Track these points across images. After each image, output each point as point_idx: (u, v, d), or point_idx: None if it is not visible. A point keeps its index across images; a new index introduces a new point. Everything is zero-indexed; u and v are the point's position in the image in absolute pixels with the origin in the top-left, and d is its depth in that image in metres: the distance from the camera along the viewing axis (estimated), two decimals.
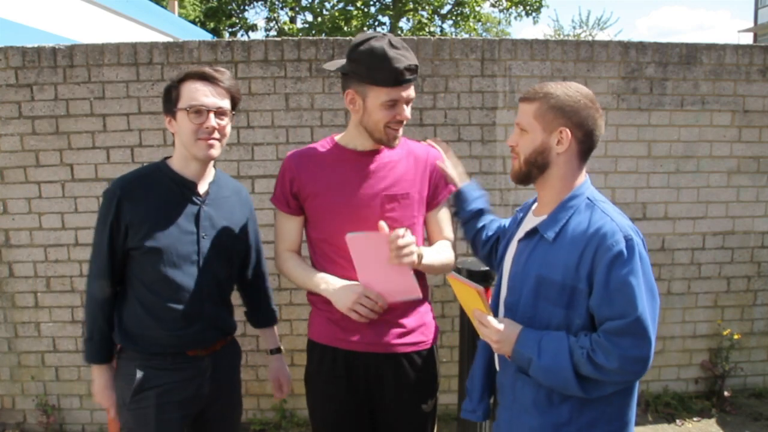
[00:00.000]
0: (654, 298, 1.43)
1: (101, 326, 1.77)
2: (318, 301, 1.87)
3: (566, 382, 1.43)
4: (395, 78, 1.67)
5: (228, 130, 1.77)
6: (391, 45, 1.68)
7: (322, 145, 1.87)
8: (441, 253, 1.89)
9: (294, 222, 1.89)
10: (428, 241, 1.97)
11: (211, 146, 1.72)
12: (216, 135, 1.72)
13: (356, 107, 1.75)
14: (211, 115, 1.69)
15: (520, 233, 1.62)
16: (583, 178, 1.56)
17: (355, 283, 1.75)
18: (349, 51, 1.73)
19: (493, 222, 1.96)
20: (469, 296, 1.57)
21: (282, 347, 2.11)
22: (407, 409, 1.88)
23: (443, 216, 1.96)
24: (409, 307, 1.86)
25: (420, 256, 1.74)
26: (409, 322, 1.86)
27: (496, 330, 1.50)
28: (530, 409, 1.52)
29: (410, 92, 1.74)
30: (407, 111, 1.76)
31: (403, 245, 1.65)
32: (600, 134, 1.52)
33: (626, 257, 1.39)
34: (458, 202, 1.96)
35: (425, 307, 1.93)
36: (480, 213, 1.95)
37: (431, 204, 1.91)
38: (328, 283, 1.79)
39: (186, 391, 1.77)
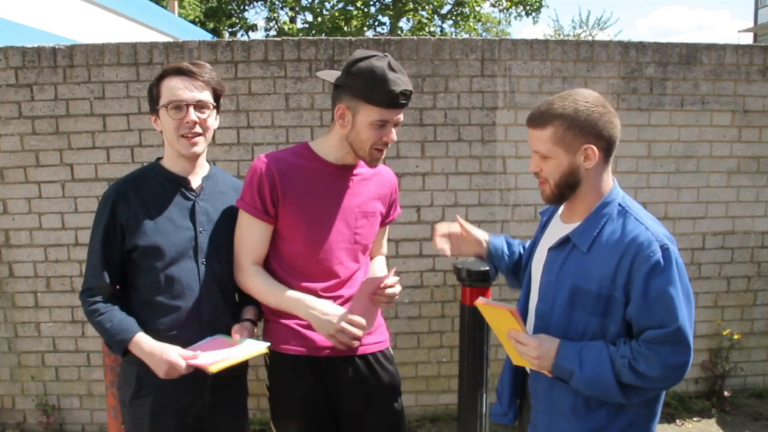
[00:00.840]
0: (690, 303, 1.44)
1: (113, 315, 1.68)
2: (283, 312, 1.81)
3: (609, 391, 1.44)
4: (390, 100, 1.66)
5: (211, 123, 1.75)
6: (391, 67, 1.67)
7: (298, 153, 1.82)
8: (384, 269, 2.02)
9: (267, 231, 1.79)
10: (370, 254, 2.00)
11: (194, 143, 1.72)
12: (198, 129, 1.71)
13: (345, 122, 1.73)
14: (191, 109, 1.68)
15: (550, 240, 1.60)
16: (612, 182, 1.55)
17: (337, 311, 1.72)
18: (348, 65, 1.71)
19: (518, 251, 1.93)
20: (499, 318, 1.55)
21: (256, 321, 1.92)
22: (384, 409, 1.88)
23: (385, 233, 2.06)
24: None
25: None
26: None
27: (535, 346, 1.48)
28: (568, 415, 1.52)
29: (400, 116, 1.74)
30: (394, 134, 1.75)
31: (395, 294, 1.77)
32: (619, 133, 1.50)
33: (663, 266, 1.39)
34: (494, 258, 1.90)
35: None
36: (519, 258, 1.88)
37: (383, 223, 1.95)
38: (308, 307, 1.72)
39: (184, 400, 1.74)
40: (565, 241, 1.54)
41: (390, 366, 1.93)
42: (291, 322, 1.80)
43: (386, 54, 1.71)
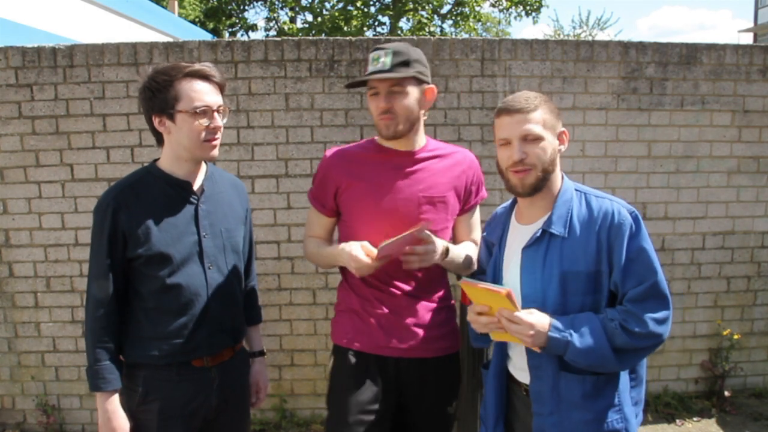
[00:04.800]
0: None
1: (109, 348, 1.66)
2: (347, 307, 1.88)
3: (604, 358, 1.48)
4: (365, 71, 1.77)
5: None
6: (375, 48, 1.78)
7: (363, 146, 1.89)
8: (466, 249, 1.90)
9: (326, 221, 1.93)
10: (454, 242, 1.94)
11: (215, 146, 1.70)
12: (218, 134, 1.69)
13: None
14: (216, 114, 1.67)
15: (520, 243, 1.61)
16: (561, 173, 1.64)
17: (355, 246, 1.74)
18: None
19: None
20: (489, 300, 1.52)
21: (265, 350, 2.04)
22: (434, 411, 1.89)
23: (473, 220, 1.98)
24: (440, 311, 1.88)
25: (445, 252, 1.79)
26: (439, 326, 1.87)
27: (530, 324, 1.47)
28: (580, 403, 1.54)
29: (386, 84, 1.75)
30: (390, 101, 1.75)
31: (423, 252, 1.71)
32: None
33: (636, 228, 1.51)
34: None
35: (452, 312, 1.95)
36: None
37: (463, 209, 1.91)
38: (337, 254, 1.81)
39: (191, 405, 1.72)
40: (540, 236, 1.57)
41: (453, 370, 1.93)
42: (355, 318, 1.85)
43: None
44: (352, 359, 1.84)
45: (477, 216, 2.00)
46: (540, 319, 1.49)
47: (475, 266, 1.91)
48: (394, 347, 1.81)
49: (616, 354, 1.48)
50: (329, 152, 1.89)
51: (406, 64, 1.75)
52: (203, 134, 1.65)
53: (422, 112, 1.82)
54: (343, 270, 1.91)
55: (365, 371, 1.83)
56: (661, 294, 1.51)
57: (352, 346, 1.85)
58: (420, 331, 1.83)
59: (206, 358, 1.74)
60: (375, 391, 1.82)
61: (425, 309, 1.85)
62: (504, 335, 1.57)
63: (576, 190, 1.60)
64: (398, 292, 1.82)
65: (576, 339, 1.47)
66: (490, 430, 1.73)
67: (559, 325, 1.49)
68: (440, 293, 1.90)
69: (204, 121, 1.64)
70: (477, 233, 1.98)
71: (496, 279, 1.67)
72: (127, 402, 1.74)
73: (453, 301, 1.98)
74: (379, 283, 1.82)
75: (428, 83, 1.82)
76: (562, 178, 1.62)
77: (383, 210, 1.79)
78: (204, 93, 1.64)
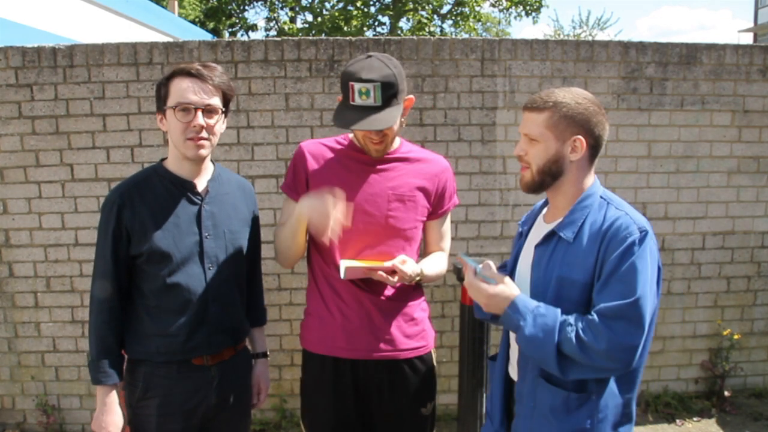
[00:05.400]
0: (653, 293, 1.43)
1: (111, 343, 1.70)
2: (315, 310, 1.87)
3: (546, 356, 1.42)
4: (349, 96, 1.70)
5: (218, 128, 1.72)
6: (361, 66, 1.70)
7: (338, 140, 1.88)
8: (437, 264, 1.92)
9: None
10: (425, 248, 1.96)
11: (200, 146, 1.67)
12: (204, 134, 1.66)
13: None
14: (199, 113, 1.64)
15: (536, 239, 1.61)
16: (593, 178, 1.58)
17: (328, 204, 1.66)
18: None
19: None
20: None
21: (268, 352, 2.04)
22: (407, 413, 1.88)
23: (444, 227, 1.96)
24: (409, 312, 1.88)
25: (420, 273, 1.79)
26: (409, 327, 1.86)
27: (487, 295, 1.49)
28: (548, 416, 1.51)
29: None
30: (381, 134, 1.74)
31: (392, 283, 1.75)
32: (606, 136, 1.55)
33: (637, 247, 1.41)
34: None
35: (424, 312, 1.94)
36: None
37: (435, 213, 1.91)
38: (298, 211, 1.73)
39: (190, 402, 1.73)
40: (550, 236, 1.56)
41: (424, 371, 1.91)
42: (331, 324, 1.82)
43: (370, 54, 1.73)
44: (320, 366, 1.85)
45: (448, 225, 1.99)
46: (502, 293, 1.48)
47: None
48: (361, 349, 1.81)
49: (559, 357, 1.41)
50: (303, 143, 1.88)
51: (394, 95, 1.70)
52: (186, 132, 1.65)
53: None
54: (312, 273, 1.90)
55: (333, 381, 1.83)
56: (636, 317, 1.37)
57: (320, 351, 1.84)
58: (389, 332, 1.82)
59: (206, 357, 1.76)
60: (345, 410, 1.83)
61: (394, 309, 1.84)
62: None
63: (602, 197, 1.54)
64: (365, 293, 1.81)
65: (528, 325, 1.43)
66: (497, 425, 1.71)
67: (521, 306, 1.46)
68: (409, 292, 1.89)
69: (180, 116, 1.64)
70: (447, 242, 1.99)
71: (513, 269, 1.70)
72: (128, 397, 1.76)
73: (425, 300, 1.97)
74: (346, 283, 1.80)
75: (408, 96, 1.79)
76: (594, 183, 1.57)
77: (354, 203, 1.78)
78: (188, 91, 1.63)
